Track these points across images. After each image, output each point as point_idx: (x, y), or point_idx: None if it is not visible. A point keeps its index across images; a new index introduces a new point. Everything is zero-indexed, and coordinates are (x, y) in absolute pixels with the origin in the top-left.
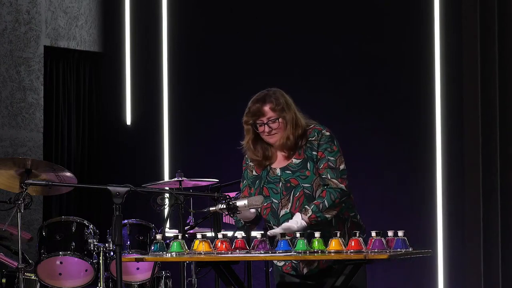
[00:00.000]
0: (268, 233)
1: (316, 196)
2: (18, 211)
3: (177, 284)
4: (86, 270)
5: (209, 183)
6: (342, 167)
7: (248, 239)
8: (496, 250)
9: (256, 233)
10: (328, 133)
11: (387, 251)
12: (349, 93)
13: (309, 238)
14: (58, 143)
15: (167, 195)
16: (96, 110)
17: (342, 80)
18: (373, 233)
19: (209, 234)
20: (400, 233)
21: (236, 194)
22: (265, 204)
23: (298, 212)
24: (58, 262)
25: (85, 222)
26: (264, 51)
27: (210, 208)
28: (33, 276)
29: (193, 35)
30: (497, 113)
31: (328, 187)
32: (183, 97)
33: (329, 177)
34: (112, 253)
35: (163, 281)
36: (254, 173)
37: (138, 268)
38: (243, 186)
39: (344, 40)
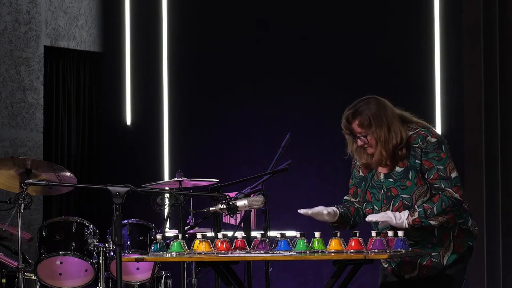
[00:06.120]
0: (366, 219)
1: (426, 200)
2: (18, 211)
3: (177, 284)
4: (86, 270)
5: (209, 183)
6: (453, 175)
7: (248, 239)
8: (497, 250)
9: (256, 233)
10: (434, 139)
11: (387, 251)
12: (349, 93)
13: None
14: (58, 143)
15: (167, 195)
16: (96, 110)
17: (342, 80)
18: (373, 233)
19: (209, 234)
20: (400, 233)
21: (236, 194)
22: (367, 209)
23: (407, 210)
24: (58, 262)
25: (85, 222)
26: (265, 51)
27: (210, 208)
28: (33, 276)
29: (193, 35)
30: (498, 112)
31: (442, 193)
32: (183, 97)
33: (443, 187)
34: (112, 253)
35: (163, 281)
36: (361, 173)
37: (138, 268)
38: (350, 184)
39: (344, 41)
